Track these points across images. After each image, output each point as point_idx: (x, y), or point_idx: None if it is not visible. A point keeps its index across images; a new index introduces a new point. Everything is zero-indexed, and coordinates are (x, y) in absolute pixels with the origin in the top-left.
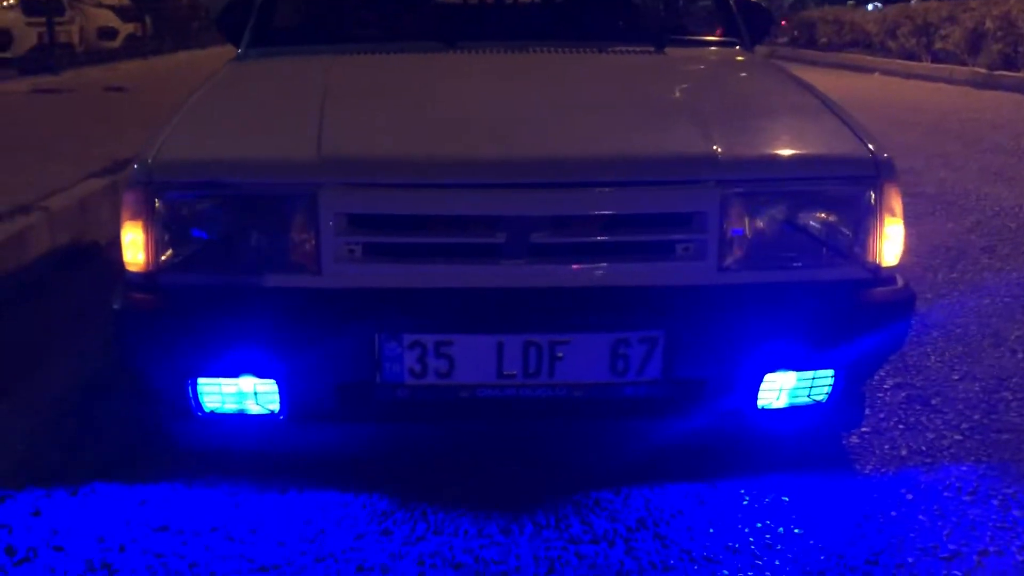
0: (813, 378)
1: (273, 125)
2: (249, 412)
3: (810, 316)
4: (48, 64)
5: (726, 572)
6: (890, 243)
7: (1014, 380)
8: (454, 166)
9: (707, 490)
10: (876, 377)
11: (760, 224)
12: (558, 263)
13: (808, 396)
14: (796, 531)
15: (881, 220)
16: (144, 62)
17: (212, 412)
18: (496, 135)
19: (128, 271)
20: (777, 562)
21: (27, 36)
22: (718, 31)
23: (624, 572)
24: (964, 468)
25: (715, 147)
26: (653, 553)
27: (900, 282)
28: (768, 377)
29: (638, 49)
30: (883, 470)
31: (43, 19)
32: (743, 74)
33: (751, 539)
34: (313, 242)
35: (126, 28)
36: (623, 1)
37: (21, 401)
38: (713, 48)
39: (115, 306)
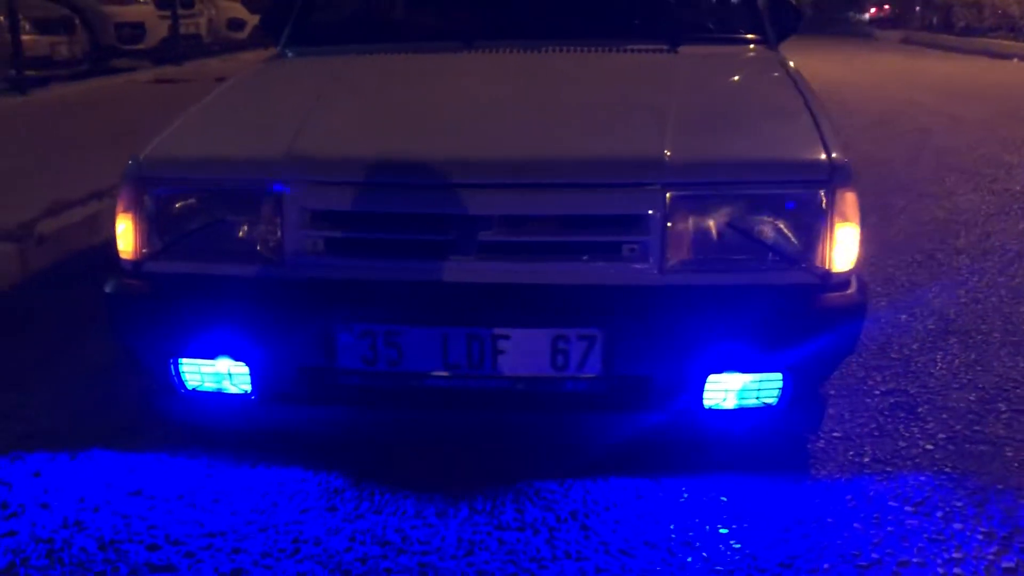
0: (761, 381)
1: (260, 125)
2: (226, 391)
3: (756, 319)
4: (173, 55)
5: (634, 565)
6: (842, 249)
7: (1018, 391)
8: (406, 166)
9: (649, 486)
10: (870, 381)
11: (707, 227)
12: (503, 260)
13: (757, 398)
14: (721, 531)
15: (832, 226)
16: (264, 51)
17: (194, 390)
18: (456, 136)
19: (119, 258)
20: (689, 559)
21: (158, 28)
22: (742, 29)
23: (538, 558)
24: (921, 479)
25: (665, 151)
26: (573, 543)
27: (853, 287)
28: (714, 378)
29: (652, 48)
30: (837, 476)
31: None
32: (741, 74)
33: (673, 535)
34: (278, 235)
35: (253, 19)
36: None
37: (55, 372)
38: (729, 47)
39: (106, 290)
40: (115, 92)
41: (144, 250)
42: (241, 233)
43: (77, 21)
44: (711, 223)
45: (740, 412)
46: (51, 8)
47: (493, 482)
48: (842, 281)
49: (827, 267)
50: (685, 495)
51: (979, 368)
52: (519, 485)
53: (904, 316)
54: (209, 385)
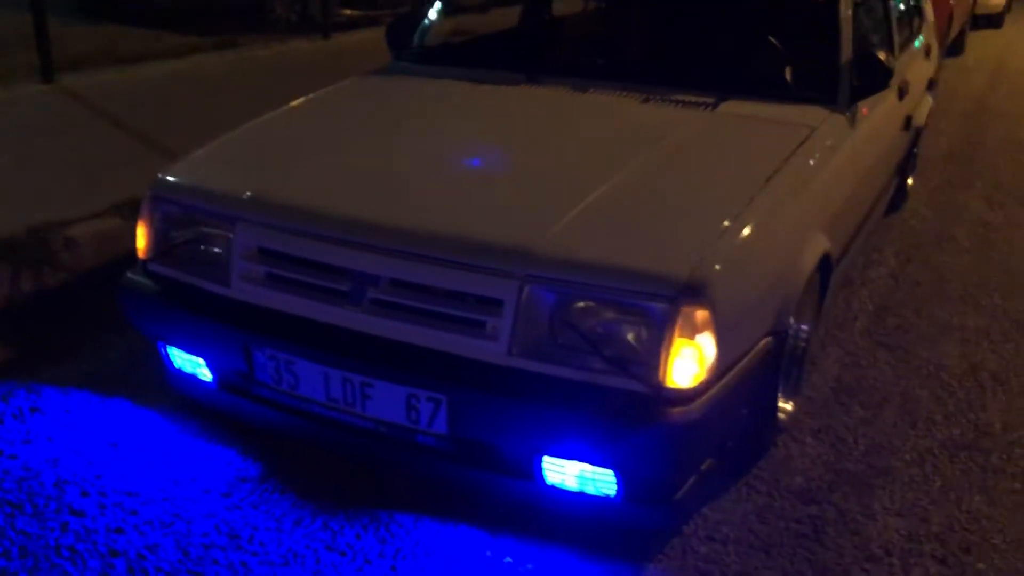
0: (595, 472)
1: (254, 163)
2: (199, 377)
3: (588, 416)
4: None
5: None
6: (681, 364)
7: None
8: (324, 219)
9: (483, 541)
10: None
11: (558, 321)
12: (381, 316)
13: (595, 487)
14: None
15: (671, 341)
16: None
17: (180, 370)
18: (376, 198)
19: (138, 257)
20: None
21: None
22: (808, 85)
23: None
24: None
25: (535, 244)
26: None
27: (698, 403)
28: (553, 460)
29: (695, 101)
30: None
31: None
32: (735, 148)
33: None
34: (230, 261)
35: None
36: (719, 50)
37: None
38: (779, 106)
39: (122, 281)
40: None
41: (149, 253)
42: (209, 255)
43: None
44: (563, 318)
45: (581, 496)
46: None
47: (367, 505)
48: (680, 396)
49: (662, 380)
50: (508, 559)
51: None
52: (381, 513)
53: None
54: (188, 369)
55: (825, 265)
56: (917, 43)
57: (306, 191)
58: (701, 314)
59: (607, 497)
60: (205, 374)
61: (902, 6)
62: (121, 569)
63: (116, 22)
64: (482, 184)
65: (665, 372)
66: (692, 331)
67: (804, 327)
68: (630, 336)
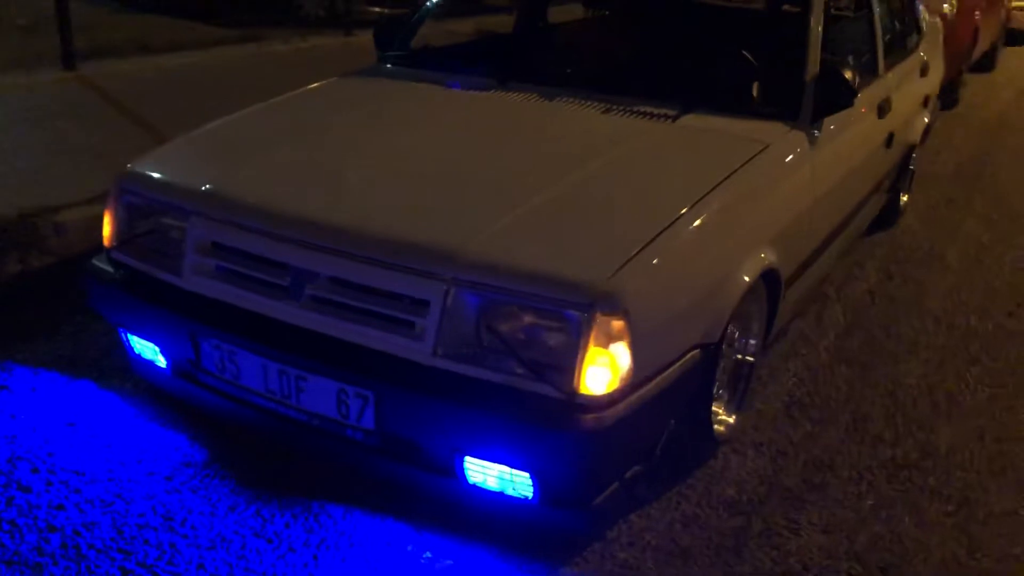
0: (514, 474)
1: (216, 158)
2: (156, 363)
3: (505, 419)
4: None
5: None
6: (595, 372)
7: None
8: (270, 216)
9: (406, 535)
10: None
11: (481, 323)
12: (317, 312)
13: (514, 489)
14: None
15: (585, 349)
16: None
17: (140, 355)
18: (322, 197)
19: (103, 244)
20: None
21: None
22: (772, 101)
23: (250, 569)
24: None
25: (460, 246)
26: (293, 566)
27: (613, 410)
28: (473, 459)
29: (657, 113)
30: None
31: None
32: (678, 160)
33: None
34: (183, 253)
35: None
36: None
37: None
38: (738, 120)
39: (86, 267)
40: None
41: (113, 241)
42: (166, 245)
43: None
44: (486, 321)
45: (501, 496)
46: None
47: (301, 495)
48: (593, 404)
49: (575, 387)
50: (428, 555)
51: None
52: (314, 503)
53: None
54: (147, 355)
55: (772, 280)
56: (912, 60)
57: (257, 188)
58: (616, 323)
59: (525, 499)
60: (160, 360)
61: (898, 24)
62: (55, 544)
63: (154, 12)
64: (426, 187)
65: (579, 379)
66: (607, 340)
67: (752, 341)
68: (548, 342)
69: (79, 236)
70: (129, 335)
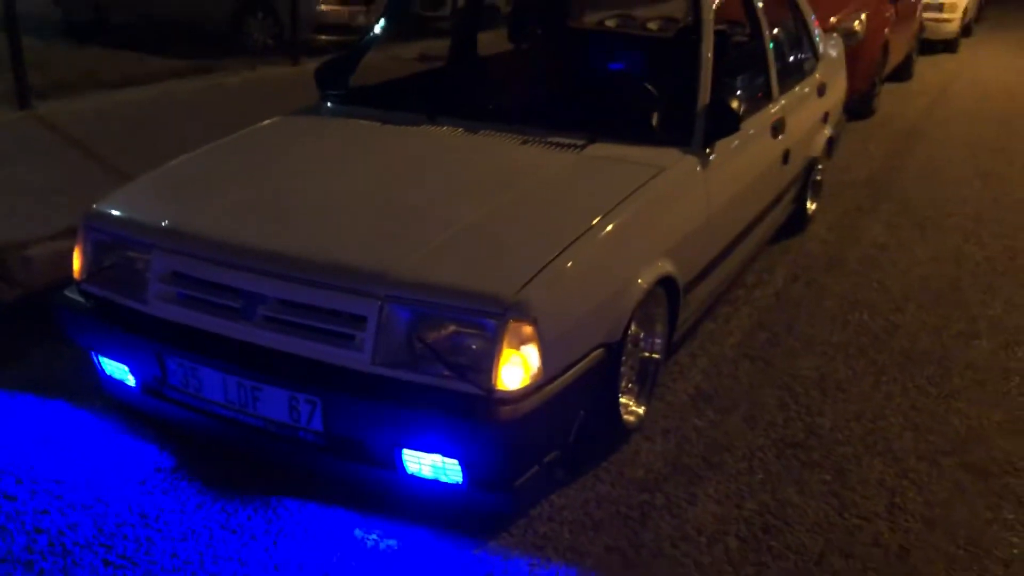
0: (445, 462)
1: (174, 196)
2: (125, 382)
3: (436, 414)
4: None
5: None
6: (509, 370)
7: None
8: (224, 247)
9: (355, 523)
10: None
11: (412, 333)
12: (267, 330)
13: (446, 476)
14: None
15: (500, 351)
16: None
17: (110, 375)
18: (271, 227)
19: (74, 278)
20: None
21: None
22: (667, 129)
23: (218, 556)
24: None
25: (391, 268)
26: (255, 552)
27: (527, 403)
28: (410, 452)
29: (567, 142)
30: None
31: None
32: (586, 183)
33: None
34: (147, 282)
35: None
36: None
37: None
38: (639, 147)
39: (58, 299)
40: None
41: (82, 274)
42: (131, 276)
43: None
44: (416, 330)
45: (435, 483)
46: None
47: (260, 492)
48: (509, 398)
49: (493, 384)
50: (373, 537)
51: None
52: (272, 499)
53: None
54: (118, 376)
55: (670, 286)
56: (808, 81)
57: (211, 222)
58: (526, 329)
59: (456, 484)
60: (129, 379)
61: (793, 51)
62: (43, 543)
63: (101, 45)
64: (361, 215)
65: (496, 377)
66: (518, 342)
67: (657, 341)
68: (469, 347)
69: (45, 269)
70: (100, 357)
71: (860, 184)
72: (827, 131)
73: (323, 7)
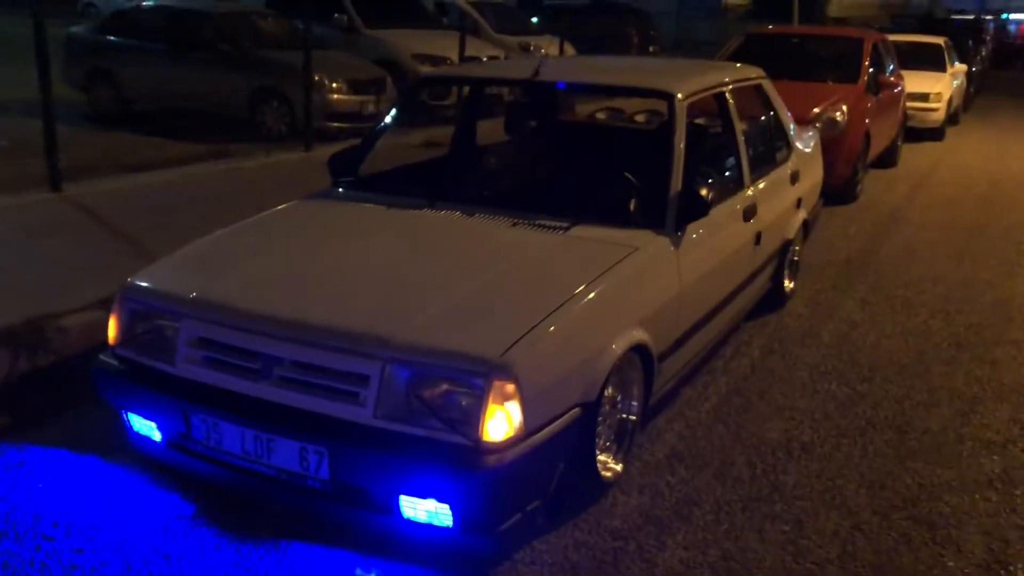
0: (437, 506)
1: (202, 269)
2: (152, 437)
3: (431, 463)
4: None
5: None
6: (494, 424)
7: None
8: (245, 315)
9: (352, 561)
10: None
11: (410, 390)
12: (281, 388)
13: (438, 519)
14: None
15: (486, 407)
16: None
17: (138, 432)
18: (287, 297)
19: (108, 343)
20: None
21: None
22: (644, 213)
23: None
24: None
25: (391, 333)
26: None
27: (511, 453)
28: (407, 498)
29: (552, 224)
30: None
31: None
32: (569, 260)
33: None
34: (175, 347)
35: None
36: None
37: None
38: (617, 229)
39: (95, 362)
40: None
41: (117, 340)
42: (161, 341)
43: (388, 80)
44: (414, 388)
45: (428, 527)
46: (367, 69)
47: (272, 536)
48: (494, 448)
49: (480, 435)
50: (372, 575)
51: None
52: (283, 541)
53: None
54: (144, 431)
55: (644, 354)
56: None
57: (234, 293)
58: (509, 386)
59: (447, 528)
60: (156, 435)
61: (765, 143)
62: None
63: (125, 130)
64: (367, 288)
65: (482, 429)
66: (502, 399)
67: (633, 403)
68: (459, 403)
69: (79, 337)
70: (129, 415)
71: (838, 264)
72: (802, 215)
73: (335, 96)
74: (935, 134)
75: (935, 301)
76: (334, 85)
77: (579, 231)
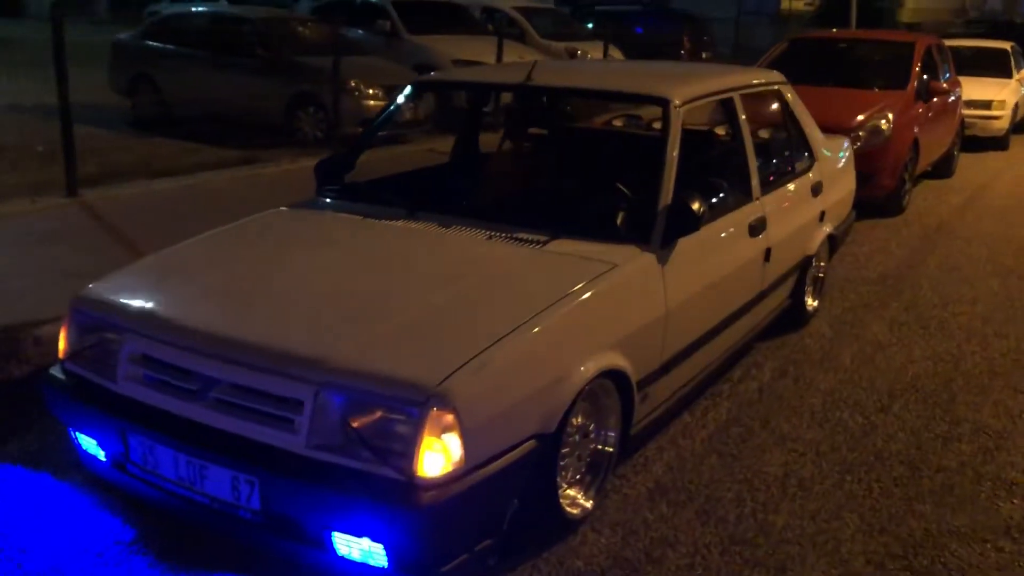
0: (370, 546)
1: (154, 281)
2: (98, 456)
3: (362, 498)
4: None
5: None
6: (430, 457)
7: None
8: (186, 331)
9: None
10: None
11: (343, 418)
12: (216, 411)
13: (373, 559)
14: None
15: (421, 438)
16: None
17: (85, 450)
18: (230, 314)
19: (59, 356)
20: None
21: None
22: (627, 226)
23: None
24: None
25: (325, 355)
26: None
27: (449, 490)
28: (340, 534)
29: (530, 238)
30: None
31: None
32: (541, 278)
33: None
34: (117, 363)
35: None
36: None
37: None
38: (597, 244)
39: (42, 376)
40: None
41: (66, 353)
42: (106, 356)
43: None
44: (347, 416)
45: (363, 566)
46: (404, 75)
47: (210, 566)
48: (430, 485)
49: (414, 470)
50: None
51: None
52: (218, 573)
53: None
54: (92, 450)
55: (620, 379)
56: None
57: (177, 309)
58: (447, 417)
59: (382, 568)
60: (100, 454)
61: (780, 153)
62: None
63: (164, 135)
64: (315, 305)
65: (417, 463)
66: (439, 430)
67: (610, 434)
68: (395, 432)
69: (55, 347)
70: (76, 432)
71: (872, 281)
72: (826, 229)
73: (370, 102)
74: (998, 143)
75: (973, 323)
76: (370, 91)
77: (557, 246)
